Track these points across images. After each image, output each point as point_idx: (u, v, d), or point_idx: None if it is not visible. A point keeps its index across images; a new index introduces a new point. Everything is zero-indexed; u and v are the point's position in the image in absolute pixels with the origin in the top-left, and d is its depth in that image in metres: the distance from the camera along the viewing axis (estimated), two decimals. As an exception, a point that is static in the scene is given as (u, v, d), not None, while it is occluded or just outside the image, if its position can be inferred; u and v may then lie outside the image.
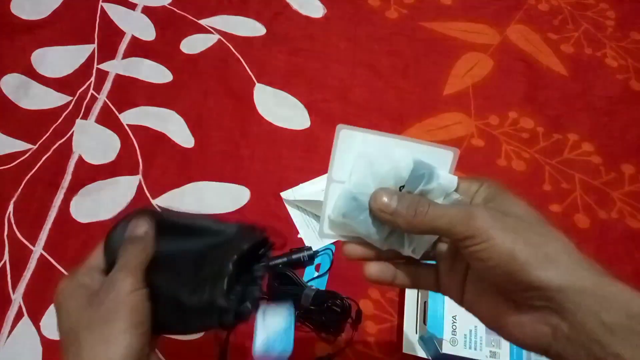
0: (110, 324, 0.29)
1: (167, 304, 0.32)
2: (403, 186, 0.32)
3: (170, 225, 0.34)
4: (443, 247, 0.34)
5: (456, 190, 0.33)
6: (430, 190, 0.32)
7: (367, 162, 0.32)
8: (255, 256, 0.34)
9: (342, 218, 0.33)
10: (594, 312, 0.25)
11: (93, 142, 0.70)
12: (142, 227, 0.33)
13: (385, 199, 0.31)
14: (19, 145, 0.68)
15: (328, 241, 0.63)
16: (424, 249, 0.33)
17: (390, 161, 0.32)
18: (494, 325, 0.31)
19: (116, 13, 0.83)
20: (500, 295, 0.29)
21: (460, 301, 0.33)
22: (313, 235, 0.64)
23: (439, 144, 0.33)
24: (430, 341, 0.53)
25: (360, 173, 0.32)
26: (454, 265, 0.33)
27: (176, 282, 0.32)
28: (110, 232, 0.34)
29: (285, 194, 0.67)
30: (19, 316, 0.57)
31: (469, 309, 0.32)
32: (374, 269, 0.34)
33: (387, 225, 0.32)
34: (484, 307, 0.31)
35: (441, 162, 0.33)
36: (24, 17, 0.81)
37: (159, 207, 0.54)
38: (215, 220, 0.36)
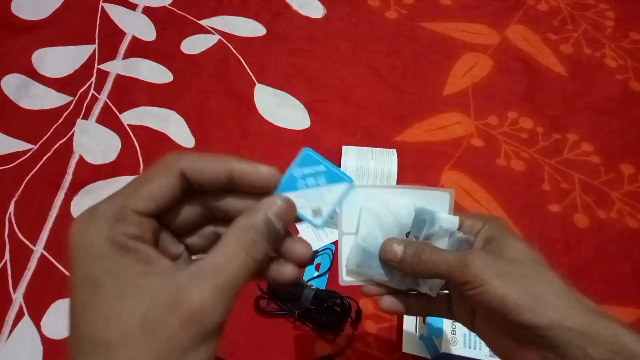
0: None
1: None
2: (409, 232, 0.35)
3: None
4: None
5: (460, 227, 0.35)
6: (434, 233, 0.34)
7: (372, 215, 0.35)
8: None
9: (357, 268, 0.35)
10: (582, 349, 0.27)
11: (94, 142, 0.70)
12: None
13: (392, 250, 0.33)
14: (19, 145, 0.69)
15: (327, 242, 0.63)
16: (439, 287, 0.35)
17: (393, 211, 0.35)
18: (500, 354, 0.33)
19: (117, 13, 0.83)
20: (503, 330, 0.31)
21: (472, 328, 0.35)
22: (313, 235, 0.64)
23: (435, 188, 0.36)
24: (430, 340, 0.54)
25: (367, 226, 0.35)
26: (463, 296, 0.34)
27: None
28: None
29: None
30: (19, 316, 0.57)
31: (480, 336, 0.34)
32: (387, 302, 0.36)
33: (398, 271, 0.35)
34: (491, 338, 0.33)
35: (440, 204, 0.35)
36: (24, 17, 0.81)
37: None
38: None
